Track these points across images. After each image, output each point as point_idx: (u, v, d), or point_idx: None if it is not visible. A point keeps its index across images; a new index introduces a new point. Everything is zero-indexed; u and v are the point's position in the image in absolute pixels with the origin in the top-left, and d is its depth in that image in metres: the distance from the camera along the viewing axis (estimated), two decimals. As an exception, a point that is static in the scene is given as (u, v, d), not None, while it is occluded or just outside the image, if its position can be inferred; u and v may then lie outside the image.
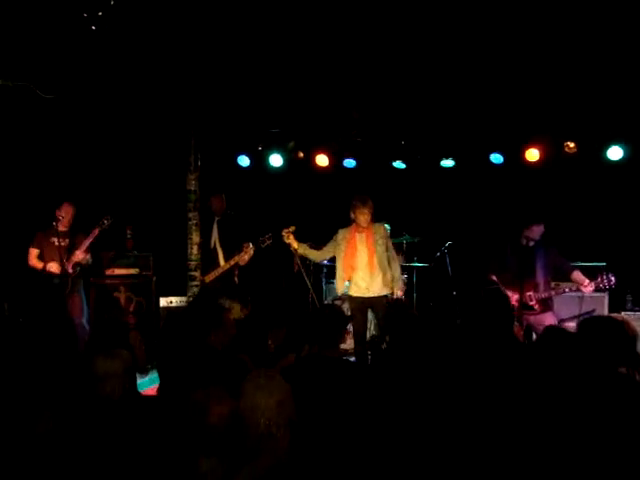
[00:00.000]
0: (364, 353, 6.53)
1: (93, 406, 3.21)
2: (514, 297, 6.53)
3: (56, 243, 7.23)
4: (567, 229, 8.02)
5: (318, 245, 7.04)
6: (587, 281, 6.34)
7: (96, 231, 7.34)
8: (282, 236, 6.91)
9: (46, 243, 7.35)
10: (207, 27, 6.41)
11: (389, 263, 6.70)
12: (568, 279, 6.59)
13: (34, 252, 7.39)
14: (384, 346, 4.30)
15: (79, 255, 7.28)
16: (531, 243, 6.50)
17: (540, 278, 6.49)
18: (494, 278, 6.70)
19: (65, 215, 7.28)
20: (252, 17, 6.28)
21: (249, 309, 5.40)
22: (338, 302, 7.52)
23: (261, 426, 2.63)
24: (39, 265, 7.32)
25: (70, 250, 7.30)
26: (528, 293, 6.44)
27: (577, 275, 6.45)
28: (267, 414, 2.65)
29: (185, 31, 6.44)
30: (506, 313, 6.63)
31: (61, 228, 7.28)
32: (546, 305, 6.51)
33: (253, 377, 2.81)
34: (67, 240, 7.32)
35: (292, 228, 6.92)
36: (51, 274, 7.22)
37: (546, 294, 6.47)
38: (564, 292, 6.62)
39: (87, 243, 7.34)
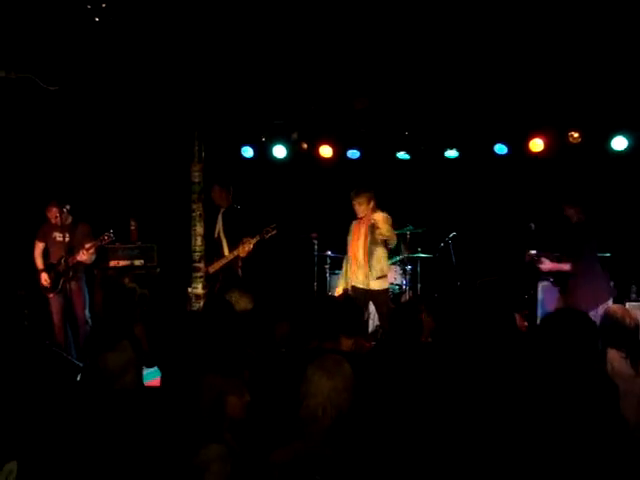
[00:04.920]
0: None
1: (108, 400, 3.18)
2: None
3: (58, 238, 7.30)
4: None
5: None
6: None
7: (105, 238, 7.35)
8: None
9: (49, 237, 7.41)
10: (210, 18, 6.39)
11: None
12: None
13: (39, 246, 7.46)
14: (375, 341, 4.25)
15: (82, 256, 7.28)
16: None
17: None
18: None
19: (52, 216, 7.25)
20: (258, 8, 6.26)
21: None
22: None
23: (310, 407, 2.59)
24: (39, 264, 7.43)
25: (72, 245, 7.29)
26: None
27: None
28: (319, 397, 2.59)
29: (188, 23, 6.42)
30: (505, 304, 6.73)
31: (61, 223, 7.25)
32: None
33: (321, 359, 2.75)
34: (68, 234, 7.30)
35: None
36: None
37: None
38: None
39: (93, 246, 7.34)
